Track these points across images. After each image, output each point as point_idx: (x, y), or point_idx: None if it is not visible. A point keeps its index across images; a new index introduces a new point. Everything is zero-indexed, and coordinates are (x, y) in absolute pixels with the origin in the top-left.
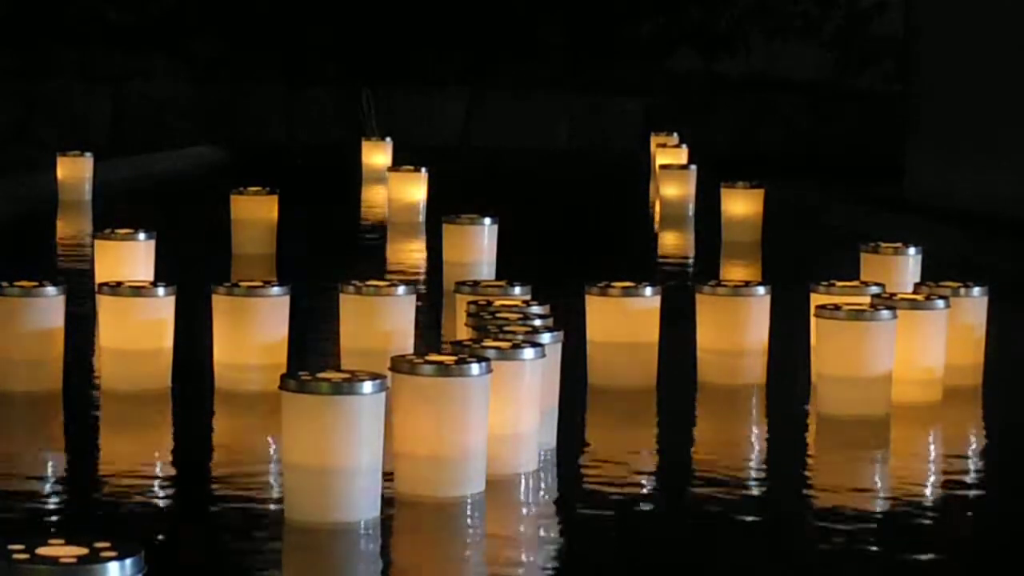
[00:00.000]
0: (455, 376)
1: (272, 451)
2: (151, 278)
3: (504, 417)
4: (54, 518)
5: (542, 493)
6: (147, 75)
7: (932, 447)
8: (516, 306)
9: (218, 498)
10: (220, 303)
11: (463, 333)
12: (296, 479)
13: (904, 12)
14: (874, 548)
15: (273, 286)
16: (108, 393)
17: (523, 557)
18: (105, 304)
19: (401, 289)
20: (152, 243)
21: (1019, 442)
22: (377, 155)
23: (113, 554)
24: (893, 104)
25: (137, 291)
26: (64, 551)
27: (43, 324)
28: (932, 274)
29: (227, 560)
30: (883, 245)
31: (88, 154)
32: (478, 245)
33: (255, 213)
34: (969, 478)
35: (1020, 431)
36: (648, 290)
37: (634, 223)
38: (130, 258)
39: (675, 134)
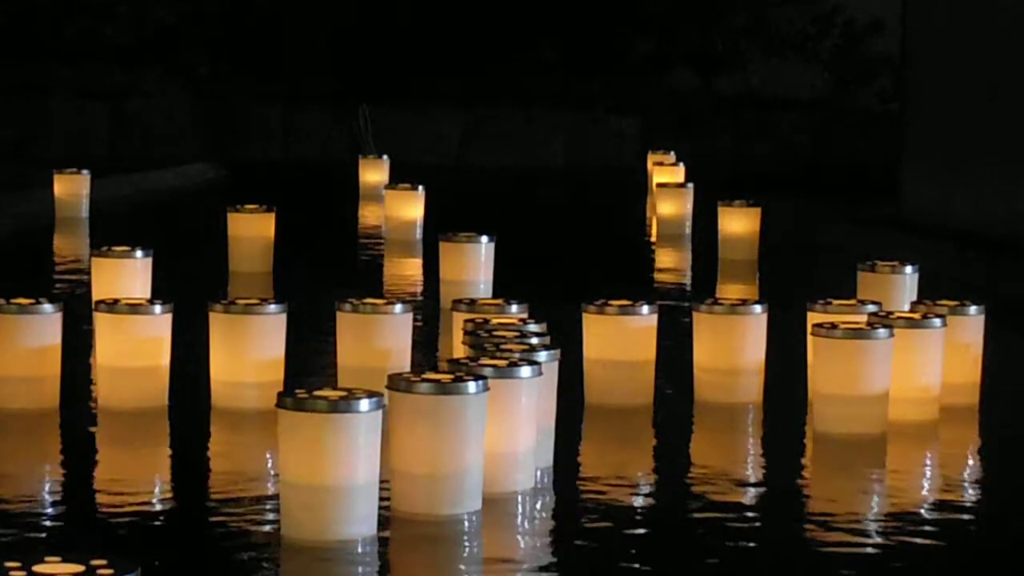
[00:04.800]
0: (452, 394)
1: (269, 469)
2: (148, 295)
3: (501, 435)
4: (51, 536)
5: (539, 512)
6: (144, 92)
7: (929, 466)
8: (513, 324)
9: (215, 516)
10: (217, 320)
11: (460, 351)
12: (293, 497)
13: (900, 31)
14: (871, 566)
15: (270, 304)
16: (105, 410)
17: (519, 575)
18: (102, 321)
19: (398, 307)
20: (149, 260)
21: (1016, 460)
22: (374, 173)
23: (110, 572)
24: (889, 122)
25: (134, 308)
26: (61, 569)
27: (40, 341)
28: (929, 293)
29: None
30: (880, 263)
31: (85, 171)
32: (475, 263)
33: (252, 230)
34: (966, 497)
35: (1017, 449)
36: (645, 308)
37: (631, 241)
38: (127, 275)
39: (672, 152)
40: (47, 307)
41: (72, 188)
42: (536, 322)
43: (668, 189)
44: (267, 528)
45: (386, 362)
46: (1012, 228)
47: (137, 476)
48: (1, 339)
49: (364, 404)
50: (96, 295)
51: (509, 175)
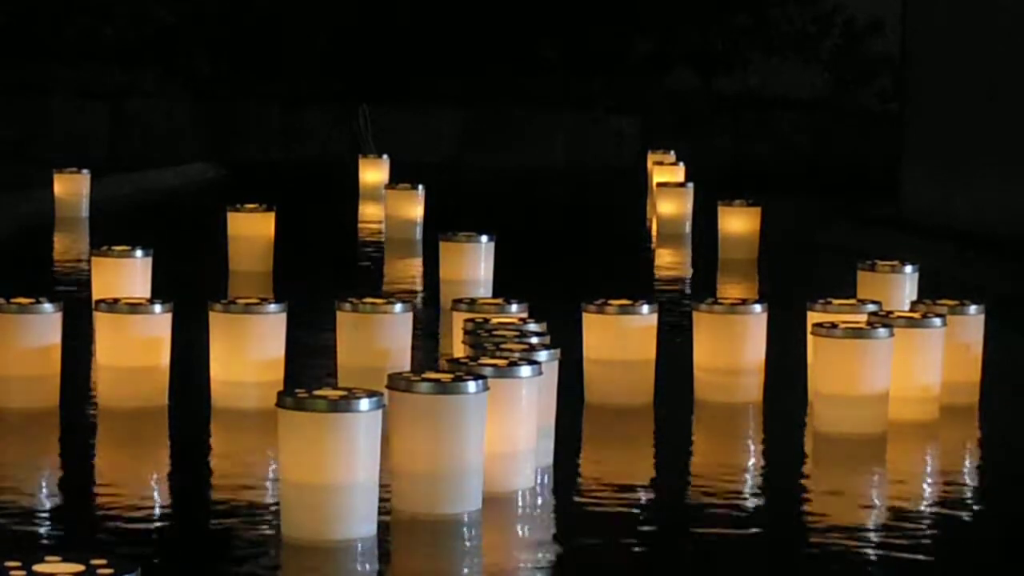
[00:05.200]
0: (452, 394)
1: (269, 468)
2: (148, 295)
3: (501, 435)
4: (51, 535)
5: (538, 511)
6: (144, 92)
7: (929, 465)
8: (513, 324)
9: (215, 515)
10: (217, 320)
11: (460, 350)
12: (293, 496)
13: (900, 31)
14: (871, 566)
15: (270, 303)
16: (105, 410)
17: (519, 575)
18: (102, 321)
19: (398, 307)
20: (149, 260)
21: (1016, 460)
22: (374, 172)
23: (110, 571)
24: (889, 122)
25: (134, 308)
26: (61, 568)
27: (40, 341)
28: (929, 292)
29: None
30: (880, 263)
31: (85, 171)
32: (475, 263)
33: (252, 230)
34: (966, 496)
35: (1017, 449)
36: (645, 308)
37: (631, 241)
38: (127, 275)
39: (672, 152)
40: (47, 306)
41: (72, 188)
42: (536, 322)
43: (668, 189)
44: (267, 527)
45: (386, 361)
46: (1012, 228)
47: (137, 475)
48: (1, 338)
49: (364, 404)
50: (96, 295)
51: (509, 175)
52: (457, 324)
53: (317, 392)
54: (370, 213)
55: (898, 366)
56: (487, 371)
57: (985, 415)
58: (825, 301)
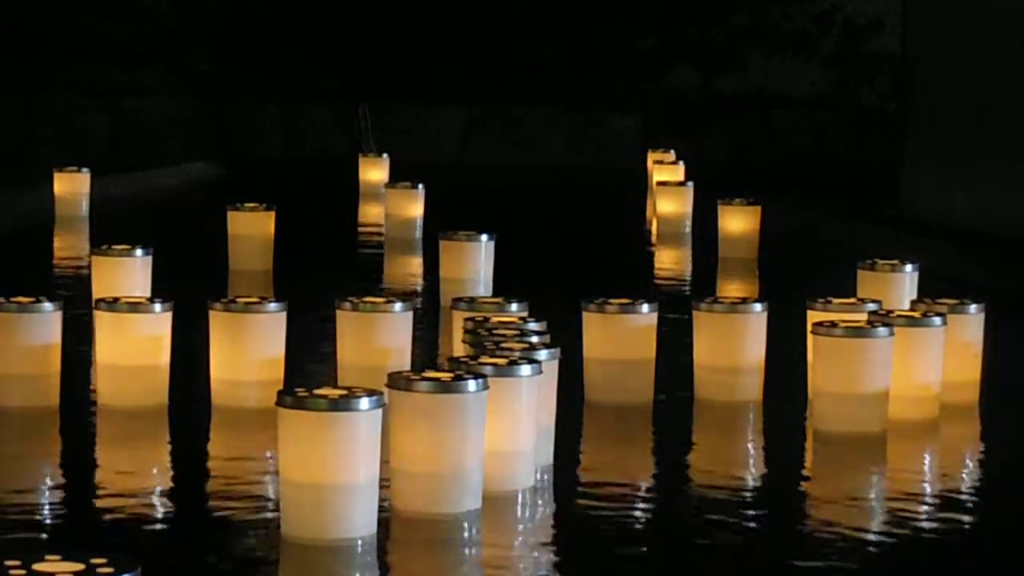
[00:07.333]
0: (452, 393)
1: (269, 467)
2: (148, 294)
3: (501, 434)
4: (51, 534)
5: (539, 510)
6: (144, 91)
7: (929, 464)
8: (513, 323)
9: (215, 514)
10: (217, 319)
11: (460, 350)
12: (293, 495)
13: (901, 30)
14: (871, 565)
15: (270, 302)
16: (105, 409)
17: (519, 574)
18: (102, 320)
19: (398, 306)
20: (149, 259)
21: (1016, 459)
22: (374, 171)
23: (110, 570)
24: (890, 121)
25: (134, 307)
26: (61, 567)
27: (40, 340)
28: (929, 291)
29: None
30: (880, 262)
31: (85, 170)
32: (475, 261)
33: (252, 229)
34: (966, 495)
35: (1017, 448)
36: (645, 307)
37: (631, 240)
38: (127, 274)
39: (672, 151)
40: (47, 305)
41: (72, 186)
42: (536, 321)
43: (668, 188)
44: (267, 527)
45: (386, 360)
46: (1012, 227)
47: (137, 474)
48: (1, 337)
49: (364, 403)
50: (96, 293)
51: (509, 174)
52: (457, 323)
53: (317, 391)
54: (370, 212)
55: (898, 365)
56: (487, 370)
57: (985, 414)
58: (825, 300)
